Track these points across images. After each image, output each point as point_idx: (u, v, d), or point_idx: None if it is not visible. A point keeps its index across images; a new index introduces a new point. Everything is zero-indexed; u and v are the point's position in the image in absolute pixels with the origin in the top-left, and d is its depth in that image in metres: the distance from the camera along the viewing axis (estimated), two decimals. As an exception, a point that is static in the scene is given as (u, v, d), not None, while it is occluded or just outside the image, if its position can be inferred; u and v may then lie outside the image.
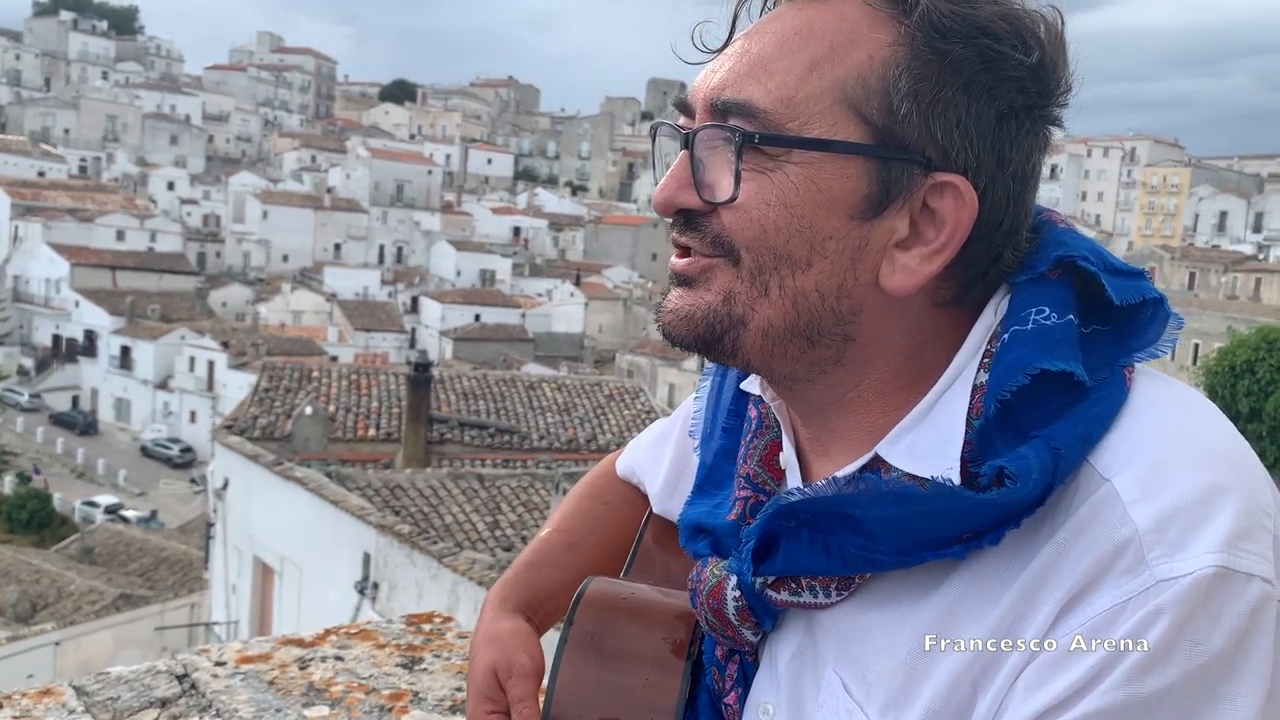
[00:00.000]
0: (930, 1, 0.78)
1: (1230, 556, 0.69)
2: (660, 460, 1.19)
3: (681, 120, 0.87)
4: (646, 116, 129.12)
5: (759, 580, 0.86)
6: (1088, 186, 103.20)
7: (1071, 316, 0.80)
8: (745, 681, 0.93)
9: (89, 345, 57.45)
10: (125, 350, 55.10)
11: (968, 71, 0.78)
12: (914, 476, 0.79)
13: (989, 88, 0.78)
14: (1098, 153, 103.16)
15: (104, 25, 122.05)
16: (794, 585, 0.85)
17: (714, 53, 0.86)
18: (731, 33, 0.86)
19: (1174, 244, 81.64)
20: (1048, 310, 0.79)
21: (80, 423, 52.78)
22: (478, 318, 59.65)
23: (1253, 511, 0.71)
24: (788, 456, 0.93)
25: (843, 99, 0.79)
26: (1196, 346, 43.92)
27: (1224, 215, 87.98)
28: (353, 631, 2.30)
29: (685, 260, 0.85)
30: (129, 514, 37.87)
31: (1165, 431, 0.76)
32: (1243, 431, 0.80)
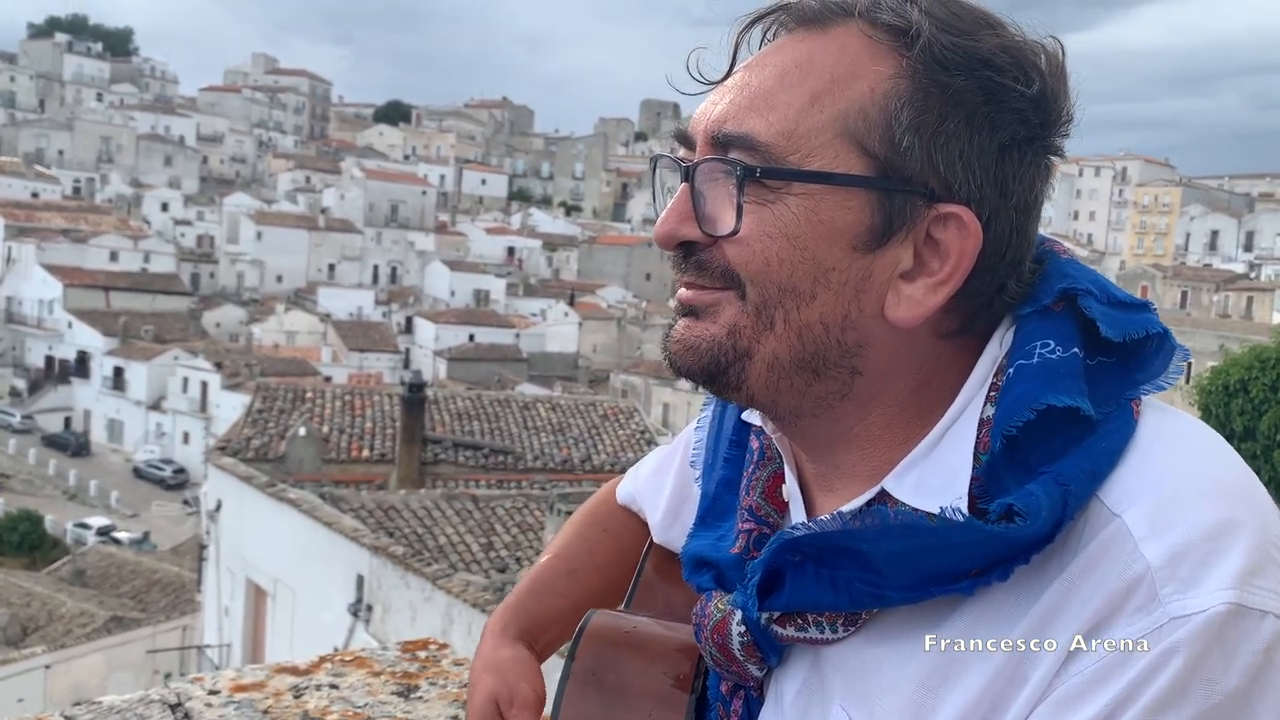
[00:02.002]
0: (932, 34, 0.78)
1: (1243, 593, 0.68)
2: (661, 489, 1.18)
3: (681, 152, 0.87)
4: (640, 137, 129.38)
5: (764, 615, 0.85)
6: (1079, 206, 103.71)
7: (1076, 350, 0.79)
8: (750, 717, 0.92)
9: (82, 366, 57.30)
10: (118, 371, 54.97)
11: (970, 104, 0.78)
12: (920, 511, 0.79)
13: (991, 119, 0.79)
14: (1089, 172, 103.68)
15: (99, 47, 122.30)
16: (800, 620, 0.84)
17: (714, 84, 0.86)
18: (732, 64, 0.86)
19: (1166, 263, 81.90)
20: (1052, 344, 0.79)
21: (72, 444, 52.58)
22: (472, 338, 59.67)
23: (1264, 546, 0.71)
24: (791, 489, 0.93)
25: (844, 131, 0.79)
26: (1190, 365, 44.02)
27: (1215, 234, 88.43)
28: (347, 659, 2.28)
29: (692, 292, 0.84)
30: (121, 536, 37.67)
31: (1174, 465, 0.75)
32: (1236, 450, 0.84)
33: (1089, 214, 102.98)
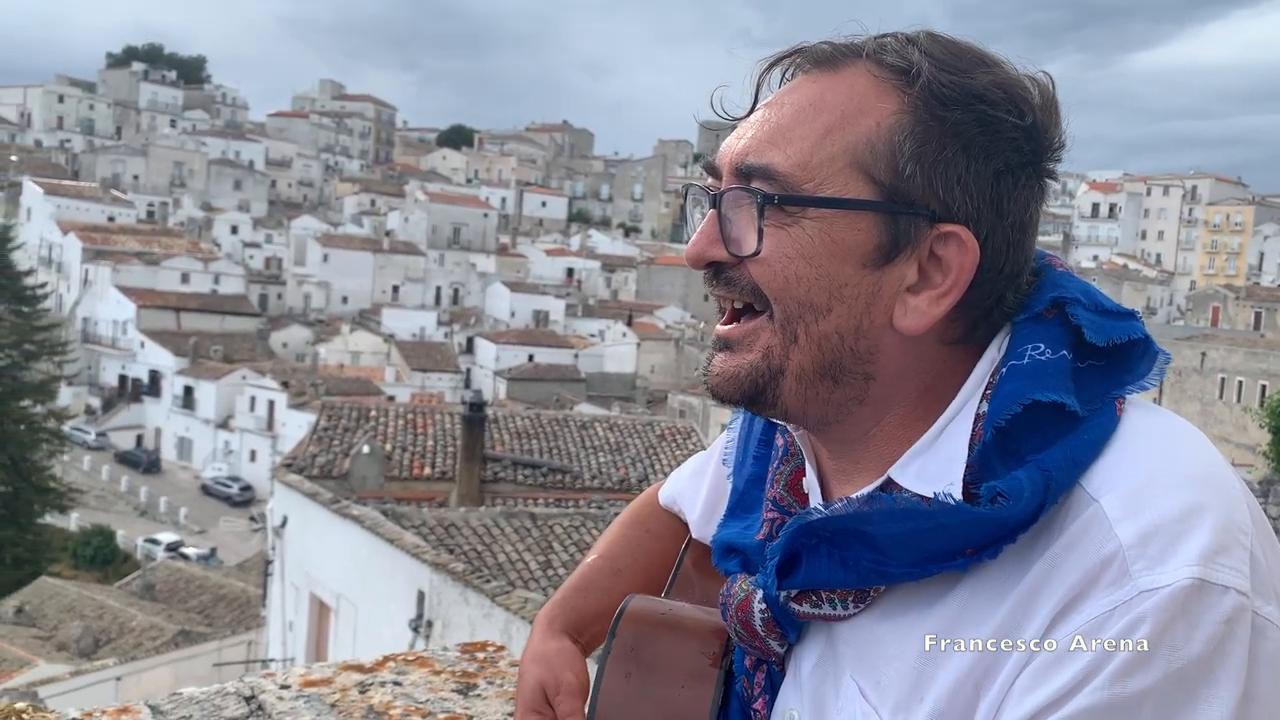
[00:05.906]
0: (931, 73, 0.88)
1: (1207, 569, 0.75)
2: (699, 490, 1.28)
3: (710, 181, 0.97)
4: (699, 159, 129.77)
5: (783, 594, 0.94)
6: (1148, 225, 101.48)
7: (1065, 352, 0.87)
8: (772, 689, 1.01)
9: (153, 385, 58.78)
10: (188, 390, 56.30)
11: (966, 134, 0.87)
12: (921, 496, 0.87)
13: (986, 148, 0.87)
14: (1158, 191, 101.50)
15: (173, 75, 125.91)
16: (815, 598, 0.93)
17: (739, 119, 0.96)
18: (755, 102, 0.96)
19: (1238, 283, 79.96)
20: (1043, 346, 0.88)
21: (144, 461, 53.88)
22: (531, 358, 60.13)
23: (1229, 529, 0.78)
24: (810, 481, 1.02)
25: (853, 162, 0.88)
26: (1264, 388, 42.81)
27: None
28: (410, 658, 2.39)
29: (729, 326, 0.94)
30: (189, 551, 38.53)
31: (1150, 456, 0.83)
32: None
33: (1158, 233, 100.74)
